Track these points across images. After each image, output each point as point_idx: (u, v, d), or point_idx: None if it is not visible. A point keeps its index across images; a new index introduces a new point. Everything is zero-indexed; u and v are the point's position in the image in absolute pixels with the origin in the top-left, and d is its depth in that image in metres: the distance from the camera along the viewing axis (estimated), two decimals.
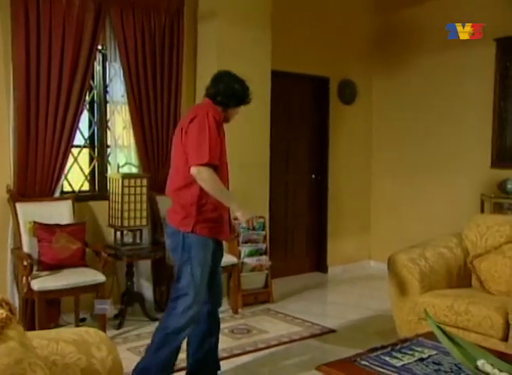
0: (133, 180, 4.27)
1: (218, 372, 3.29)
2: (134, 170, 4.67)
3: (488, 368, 2.04)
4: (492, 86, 5.19)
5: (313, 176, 6.06)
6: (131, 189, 4.25)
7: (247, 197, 4.96)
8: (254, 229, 3.13)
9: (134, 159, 4.66)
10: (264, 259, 4.86)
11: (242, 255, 4.77)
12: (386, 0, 6.15)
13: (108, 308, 4.40)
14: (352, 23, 6.12)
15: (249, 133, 4.97)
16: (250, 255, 4.81)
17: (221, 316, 4.51)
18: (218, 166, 2.87)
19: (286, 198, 5.87)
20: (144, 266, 4.61)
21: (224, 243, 4.77)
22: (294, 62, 5.57)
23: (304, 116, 5.99)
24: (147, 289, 4.63)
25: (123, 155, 4.64)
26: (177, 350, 3.02)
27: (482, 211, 4.99)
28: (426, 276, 3.65)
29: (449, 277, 3.79)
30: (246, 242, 4.82)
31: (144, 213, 4.33)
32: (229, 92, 3.04)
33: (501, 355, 2.28)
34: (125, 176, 4.27)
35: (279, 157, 5.69)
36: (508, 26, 4.95)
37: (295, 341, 3.95)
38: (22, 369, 1.37)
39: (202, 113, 2.91)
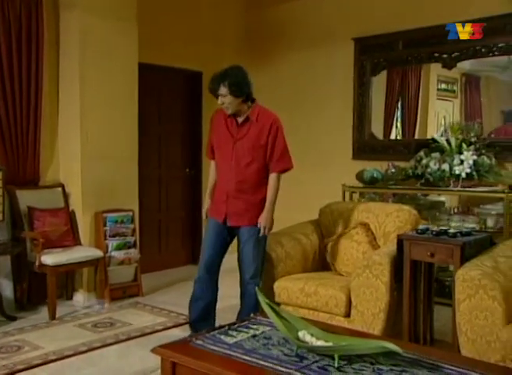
0: None
1: None
2: None
3: (307, 338, 2.18)
4: (352, 83, 5.51)
5: (187, 170, 6.09)
6: None
7: (114, 190, 4.89)
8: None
9: None
10: (133, 252, 4.83)
11: (109, 249, 4.70)
12: None
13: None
14: (225, 17, 6.16)
15: (115, 126, 4.89)
16: (118, 248, 4.75)
17: (87, 310, 4.50)
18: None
19: (159, 192, 5.86)
20: (3, 263, 4.41)
21: (90, 235, 4.70)
22: (165, 55, 5.54)
23: (177, 109, 6.00)
24: (6, 287, 4.42)
25: None
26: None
27: (344, 199, 5.27)
28: (282, 261, 3.82)
29: (305, 262, 3.99)
30: (113, 236, 4.76)
31: (0, 208, 4.15)
32: None
33: (328, 327, 2.44)
34: None
35: (151, 151, 5.67)
36: (364, 26, 5.27)
37: (158, 331, 3.96)
38: None
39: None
